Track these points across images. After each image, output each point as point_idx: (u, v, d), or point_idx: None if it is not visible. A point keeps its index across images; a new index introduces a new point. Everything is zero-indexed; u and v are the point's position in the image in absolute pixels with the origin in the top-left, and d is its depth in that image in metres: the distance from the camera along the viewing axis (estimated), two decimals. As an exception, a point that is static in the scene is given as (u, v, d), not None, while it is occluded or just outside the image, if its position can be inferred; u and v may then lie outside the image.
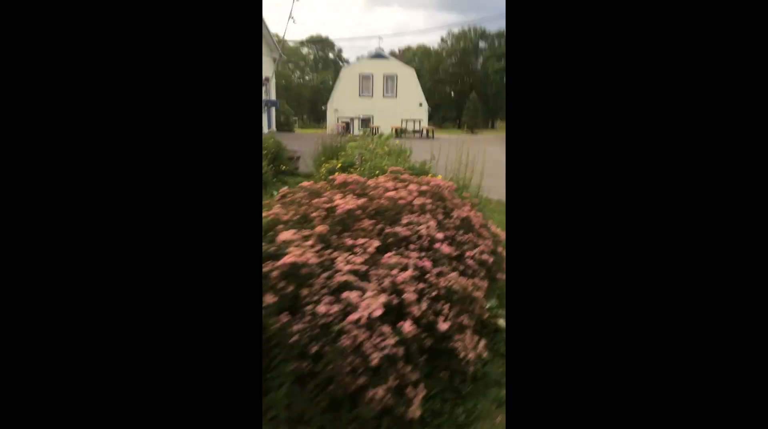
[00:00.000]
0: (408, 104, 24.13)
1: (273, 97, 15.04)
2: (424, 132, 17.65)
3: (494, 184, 3.95)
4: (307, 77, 46.29)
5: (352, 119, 23.20)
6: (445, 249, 1.82)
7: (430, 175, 3.54)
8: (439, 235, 1.87)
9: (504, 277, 2.09)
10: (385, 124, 19.64)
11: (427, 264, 1.71)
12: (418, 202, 2.02)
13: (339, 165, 4.92)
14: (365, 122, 24.70)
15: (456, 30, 41.90)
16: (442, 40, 42.95)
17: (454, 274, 1.74)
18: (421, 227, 1.86)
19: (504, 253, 2.14)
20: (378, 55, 24.98)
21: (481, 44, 41.38)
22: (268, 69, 14.53)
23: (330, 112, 24.31)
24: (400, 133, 16.93)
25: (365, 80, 24.58)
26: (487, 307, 1.99)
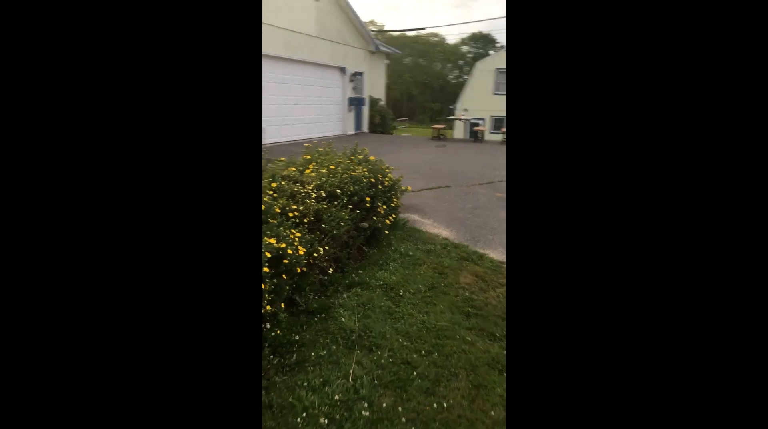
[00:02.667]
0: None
1: (365, 94, 13.55)
2: (478, 134, 13.57)
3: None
4: (465, 77, 44.12)
5: (483, 120, 20.26)
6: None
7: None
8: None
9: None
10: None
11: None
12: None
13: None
14: (499, 124, 21.43)
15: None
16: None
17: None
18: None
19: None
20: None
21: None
22: (361, 63, 13.10)
23: (459, 112, 21.76)
24: (438, 134, 13.65)
25: (501, 76, 21.23)
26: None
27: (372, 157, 4.29)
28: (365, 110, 13.76)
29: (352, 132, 13.24)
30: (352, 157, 4.26)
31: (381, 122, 14.18)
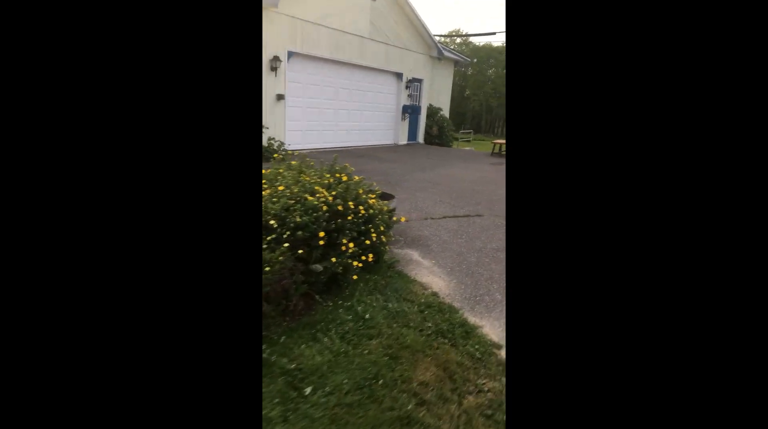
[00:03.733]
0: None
1: (423, 102, 12.52)
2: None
3: None
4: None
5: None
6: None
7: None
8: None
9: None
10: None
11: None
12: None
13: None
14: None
15: None
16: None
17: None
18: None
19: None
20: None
21: None
22: (420, 69, 12.13)
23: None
24: (500, 150, 12.21)
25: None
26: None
27: (349, 177, 3.30)
28: (422, 119, 12.74)
29: (405, 142, 12.29)
30: (327, 175, 3.31)
31: (439, 133, 13.05)
